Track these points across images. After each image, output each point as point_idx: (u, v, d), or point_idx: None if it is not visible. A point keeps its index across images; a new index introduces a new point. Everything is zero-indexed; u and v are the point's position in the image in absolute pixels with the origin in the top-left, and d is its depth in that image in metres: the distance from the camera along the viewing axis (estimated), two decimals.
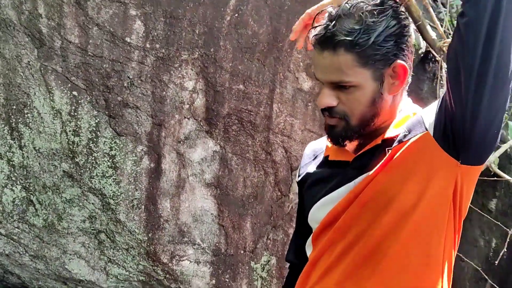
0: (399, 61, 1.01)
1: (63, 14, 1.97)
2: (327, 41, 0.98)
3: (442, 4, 3.20)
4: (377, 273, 0.99)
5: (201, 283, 2.29)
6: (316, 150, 1.25)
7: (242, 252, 2.34)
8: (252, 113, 2.26)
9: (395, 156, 0.98)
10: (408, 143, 0.98)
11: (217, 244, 2.30)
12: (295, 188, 2.42)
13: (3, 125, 2.08)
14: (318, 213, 1.10)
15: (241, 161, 2.30)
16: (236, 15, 2.14)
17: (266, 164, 2.34)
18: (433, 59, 2.54)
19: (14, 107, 2.06)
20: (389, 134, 1.04)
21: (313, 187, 1.15)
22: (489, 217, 2.64)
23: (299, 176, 1.26)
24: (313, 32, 1.01)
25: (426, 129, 0.98)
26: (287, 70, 2.29)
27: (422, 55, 2.73)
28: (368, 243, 0.99)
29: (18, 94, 2.05)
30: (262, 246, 2.37)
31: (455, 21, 0.97)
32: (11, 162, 2.11)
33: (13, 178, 2.13)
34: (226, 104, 2.22)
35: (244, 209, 2.32)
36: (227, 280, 2.32)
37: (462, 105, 0.90)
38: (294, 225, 2.44)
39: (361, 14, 0.97)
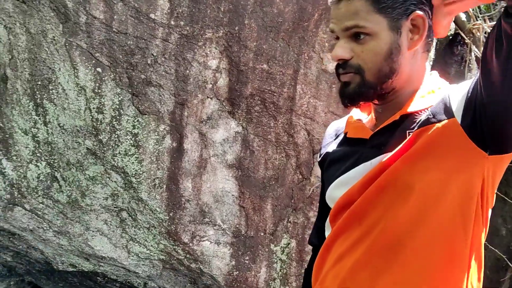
0: (418, 11, 0.96)
1: None
2: None
3: None
4: (395, 266, 0.93)
5: (221, 264, 2.29)
6: (338, 129, 1.20)
7: (262, 234, 2.32)
8: (275, 94, 2.22)
9: (417, 142, 0.92)
10: (432, 129, 0.92)
11: (237, 226, 2.29)
12: (316, 171, 2.38)
13: (28, 101, 2.09)
14: (335, 192, 1.07)
15: (263, 142, 2.27)
16: None
17: (288, 146, 2.31)
18: (461, 42, 2.46)
19: (39, 82, 2.07)
20: (408, 109, 0.98)
21: (332, 166, 1.11)
22: None
23: (320, 156, 1.22)
24: None
25: (454, 115, 0.91)
26: (312, 50, 2.24)
27: (450, 37, 2.65)
28: (386, 233, 0.94)
29: (43, 70, 2.06)
30: (282, 228, 2.35)
31: (485, 5, 0.89)
32: (36, 138, 2.13)
33: (38, 154, 2.15)
34: (249, 84, 2.19)
35: (265, 191, 2.30)
36: (247, 261, 2.32)
37: (497, 93, 0.83)
38: (314, 209, 2.41)
39: None
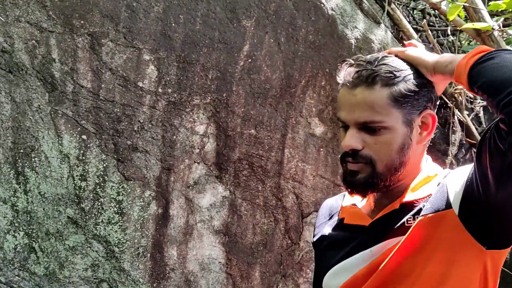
0: (429, 110, 0.98)
1: (77, 59, 1.96)
2: (364, 77, 0.95)
3: (449, 48, 3.22)
4: None
5: None
6: (332, 209, 1.19)
7: None
8: (263, 158, 2.21)
9: (416, 234, 0.92)
10: (431, 220, 0.92)
11: None
12: (306, 235, 2.34)
13: (9, 169, 2.02)
14: (333, 280, 1.04)
15: (250, 207, 2.24)
16: (250, 60, 2.13)
17: (276, 210, 2.28)
18: (444, 106, 2.53)
19: (22, 151, 2.01)
20: (408, 197, 0.98)
21: (328, 251, 1.09)
22: None
23: (314, 236, 1.20)
24: (347, 69, 0.98)
25: (451, 206, 0.91)
26: (300, 115, 2.26)
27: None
28: None
29: (27, 138, 2.01)
30: None
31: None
32: (15, 207, 2.05)
33: (16, 224, 2.05)
34: (237, 149, 2.18)
35: (253, 257, 2.24)
36: None
37: (493, 193, 0.84)
38: (304, 275, 2.35)
39: (398, 63, 0.97)
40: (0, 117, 2.01)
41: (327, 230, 1.13)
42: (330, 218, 1.17)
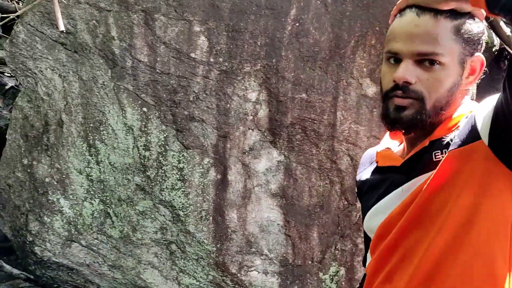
0: (480, 54, 0.96)
1: (133, 35, 2.08)
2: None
3: None
4: None
5: None
6: (372, 156, 1.20)
7: (309, 262, 2.30)
8: (315, 121, 2.24)
9: (446, 167, 0.90)
10: (461, 152, 0.90)
11: (284, 255, 2.28)
12: None
13: (82, 142, 2.22)
14: (371, 222, 1.06)
15: (305, 170, 2.28)
16: (297, 24, 2.14)
17: (331, 172, 2.30)
18: (507, 57, 2.38)
19: (91, 125, 2.20)
20: (438, 134, 0.96)
21: (366, 195, 1.11)
22: None
23: (356, 184, 1.23)
24: None
25: (480, 137, 0.88)
26: (350, 76, 2.24)
27: (496, 53, 2.57)
28: (425, 262, 0.92)
29: (95, 113, 2.19)
30: (330, 256, 2.32)
31: None
32: (89, 177, 2.25)
33: (92, 192, 2.26)
34: (289, 114, 2.22)
35: (310, 219, 2.29)
36: None
37: None
38: (362, 235, 2.37)
39: None
40: (70, 95, 2.20)
41: (365, 175, 1.15)
42: (370, 164, 1.19)
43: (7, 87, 2.99)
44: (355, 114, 2.30)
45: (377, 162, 1.12)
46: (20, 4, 3.44)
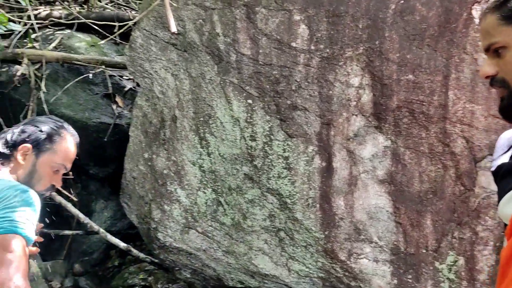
0: None
1: (236, 30, 2.17)
2: (482, 12, 1.01)
3: None
4: None
5: (382, 283, 2.23)
6: (510, 140, 1.12)
7: (424, 251, 2.20)
8: (424, 103, 2.12)
9: None
10: None
11: (395, 243, 2.21)
12: (481, 181, 2.17)
13: (194, 136, 2.38)
14: (506, 208, 1.01)
15: (415, 155, 2.17)
16: (402, 1, 2.05)
17: (444, 156, 2.16)
18: None
19: (201, 119, 2.34)
20: None
21: (503, 180, 1.05)
22: None
23: (492, 167, 1.15)
24: None
25: None
26: (463, 52, 2.08)
27: None
28: None
29: (204, 107, 2.33)
30: (446, 245, 2.19)
31: None
32: (202, 168, 2.40)
33: (204, 182, 2.42)
34: (395, 97, 2.13)
35: (422, 206, 2.19)
36: (410, 280, 2.21)
37: None
38: (483, 222, 2.19)
39: None
40: (182, 91, 2.37)
41: (503, 159, 1.09)
42: (509, 149, 1.11)
43: (126, 89, 3.32)
44: (469, 92, 2.13)
45: None
46: (133, 12, 3.78)
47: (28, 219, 1.26)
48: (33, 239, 1.29)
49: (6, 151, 1.42)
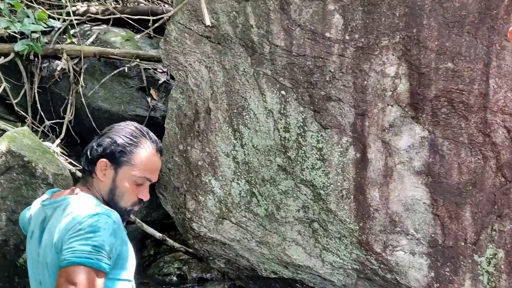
0: None
1: (270, 21, 2.16)
2: None
3: None
4: None
5: (419, 275, 2.20)
6: None
7: (462, 244, 2.15)
8: (464, 92, 2.06)
9: None
10: None
11: (433, 235, 2.17)
12: None
13: (227, 127, 2.40)
14: None
15: (454, 145, 2.12)
16: None
17: (484, 147, 2.10)
18: None
19: (235, 110, 2.36)
20: None
21: None
22: None
23: None
24: None
25: None
26: (505, 39, 2.00)
27: None
28: None
29: (237, 99, 2.35)
30: (486, 238, 2.14)
31: None
32: (235, 159, 2.43)
33: (238, 173, 2.44)
34: (433, 86, 2.08)
35: (461, 198, 2.13)
36: (448, 273, 2.17)
37: None
38: None
39: None
40: (215, 84, 2.40)
41: None
42: None
43: (160, 82, 3.38)
44: (511, 81, 2.06)
45: None
46: (166, 6, 3.82)
47: (97, 246, 1.15)
48: (105, 266, 1.17)
49: (87, 167, 1.35)
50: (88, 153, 1.35)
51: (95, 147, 1.36)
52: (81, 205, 1.25)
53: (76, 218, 1.20)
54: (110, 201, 1.34)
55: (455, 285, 2.17)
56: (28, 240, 1.37)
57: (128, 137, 1.36)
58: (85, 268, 1.14)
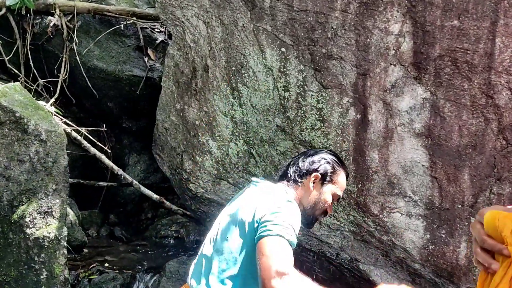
0: None
1: None
2: None
3: None
4: None
5: (414, 237, 2.20)
6: None
7: (459, 206, 2.14)
8: (468, 51, 2.00)
9: None
10: None
11: (430, 197, 2.16)
12: None
13: (225, 86, 2.35)
14: None
15: (455, 107, 2.08)
16: None
17: (486, 109, 2.06)
18: None
19: (234, 68, 2.30)
20: None
21: None
22: None
23: None
24: None
25: None
26: None
27: None
28: None
29: (236, 56, 2.28)
30: (484, 200, 2.13)
31: None
32: (234, 119, 2.38)
33: (236, 134, 2.40)
34: (437, 45, 2.02)
35: (460, 160, 2.11)
36: (443, 235, 2.17)
37: None
38: None
39: None
40: (213, 40, 2.33)
41: None
42: None
43: (157, 41, 3.30)
44: None
45: None
46: None
47: (291, 225, 1.37)
48: (295, 243, 1.38)
49: (297, 178, 1.60)
50: (301, 165, 1.62)
51: (307, 162, 1.62)
52: (281, 193, 1.53)
53: (275, 198, 1.45)
54: (308, 206, 1.60)
55: (451, 247, 2.17)
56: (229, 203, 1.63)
57: (336, 161, 1.64)
58: (280, 239, 1.35)
